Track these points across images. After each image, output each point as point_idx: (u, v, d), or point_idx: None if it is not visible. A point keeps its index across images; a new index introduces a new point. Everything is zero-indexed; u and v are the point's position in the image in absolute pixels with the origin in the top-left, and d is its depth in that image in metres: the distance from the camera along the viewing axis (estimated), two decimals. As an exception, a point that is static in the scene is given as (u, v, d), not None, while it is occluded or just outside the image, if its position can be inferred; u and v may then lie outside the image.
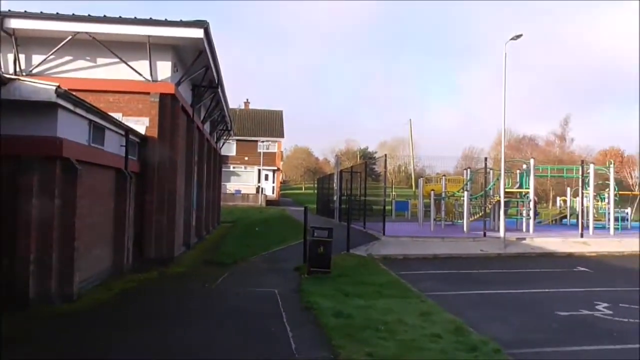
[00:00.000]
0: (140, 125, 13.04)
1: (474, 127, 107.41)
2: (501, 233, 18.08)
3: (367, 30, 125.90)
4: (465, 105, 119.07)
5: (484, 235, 18.72)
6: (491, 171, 25.36)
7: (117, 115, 12.37)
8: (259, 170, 48.39)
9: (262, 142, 48.55)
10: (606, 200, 25.06)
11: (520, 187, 23.42)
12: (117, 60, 12.90)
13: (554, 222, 31.76)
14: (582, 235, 19.53)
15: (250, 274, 13.19)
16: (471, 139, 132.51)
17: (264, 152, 48.03)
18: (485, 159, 21.75)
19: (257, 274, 13.12)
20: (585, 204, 27.56)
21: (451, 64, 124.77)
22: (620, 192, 27.46)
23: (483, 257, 16.85)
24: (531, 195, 22.08)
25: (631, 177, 59.01)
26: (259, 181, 48.41)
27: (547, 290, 11.67)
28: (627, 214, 29.93)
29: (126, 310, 8.80)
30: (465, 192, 21.20)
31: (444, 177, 25.40)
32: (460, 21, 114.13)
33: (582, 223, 20.36)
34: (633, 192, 40.19)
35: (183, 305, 9.36)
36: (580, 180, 22.92)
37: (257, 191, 46.90)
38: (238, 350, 6.67)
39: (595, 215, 22.99)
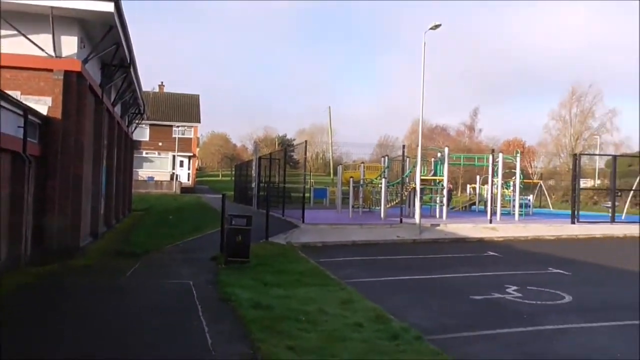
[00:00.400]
0: (42, 105, 11.92)
1: (390, 115, 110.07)
2: (417, 219, 18.51)
3: (286, 14, 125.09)
4: (383, 93, 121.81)
5: (401, 221, 19.10)
6: (407, 159, 25.96)
7: (15, 94, 11.22)
8: (174, 157, 46.78)
9: (178, 127, 46.94)
10: (511, 188, 26.48)
11: (435, 174, 24.14)
12: (16, 33, 11.67)
13: (464, 208, 33.16)
14: (490, 222, 20.44)
15: (163, 265, 12.53)
16: (387, 128, 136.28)
17: (179, 138, 46.45)
18: (404, 146, 22.17)
19: (170, 264, 12.48)
20: (493, 192, 29.00)
21: (370, 51, 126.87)
22: (523, 181, 29.04)
23: (400, 243, 17.16)
24: (445, 183, 22.86)
25: (531, 166, 62.88)
26: (173, 168, 46.82)
27: (461, 275, 12.00)
28: (530, 200, 31.91)
29: (19, 308, 7.96)
30: (383, 180, 21.52)
31: (362, 165, 25.69)
32: (380, 8, 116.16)
33: (491, 209, 21.27)
34: (534, 181, 42.95)
35: (86, 301, 8.64)
36: (490, 168, 23.99)
37: (172, 178, 45.36)
38: (149, 349, 6.18)
39: (502, 202, 24.18)
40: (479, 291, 10.09)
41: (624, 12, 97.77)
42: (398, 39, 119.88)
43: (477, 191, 33.26)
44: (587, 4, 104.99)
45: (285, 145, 65.87)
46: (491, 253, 15.48)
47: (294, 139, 79.52)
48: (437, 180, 23.29)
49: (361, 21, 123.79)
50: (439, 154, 24.84)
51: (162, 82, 51.85)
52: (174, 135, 46.13)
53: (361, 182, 24.99)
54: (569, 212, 34.71)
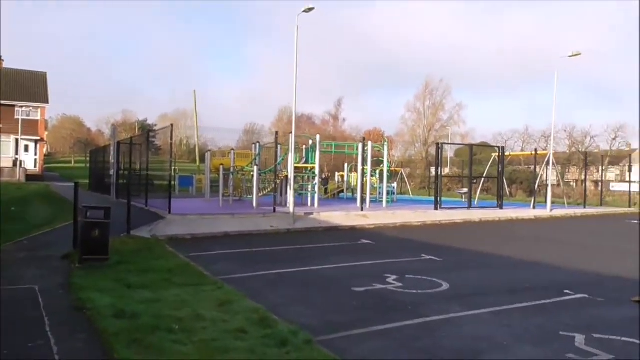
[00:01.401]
0: None
1: (256, 102, 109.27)
2: (290, 208, 18.02)
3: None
4: (249, 79, 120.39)
5: (274, 210, 18.49)
6: (279, 146, 25.41)
7: None
8: (17, 140, 41.61)
9: (21, 107, 41.79)
10: (377, 175, 27.23)
11: (307, 162, 23.88)
12: None
13: (333, 196, 33.56)
14: (362, 209, 20.65)
15: (2, 265, 10.61)
16: (252, 115, 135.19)
17: (23, 120, 41.35)
18: (276, 132, 21.54)
19: (11, 266, 10.60)
20: (363, 179, 29.59)
21: (239, 34, 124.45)
22: (390, 169, 30.03)
23: (274, 233, 16.55)
24: (317, 170, 22.68)
25: (389, 155, 66.30)
26: (17, 153, 41.67)
27: (339, 265, 11.66)
28: (394, 188, 33.18)
29: None
30: (255, 167, 20.73)
31: (232, 151, 24.64)
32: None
33: (361, 197, 21.49)
34: (395, 169, 44.97)
35: None
36: (360, 156, 24.32)
37: (15, 164, 40.33)
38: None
39: (370, 190, 24.69)
40: (360, 282, 9.79)
41: (468, 12, 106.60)
42: (269, 24, 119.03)
43: (346, 179, 33.85)
44: (443, 4, 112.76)
45: (147, 129, 62.11)
46: (365, 241, 15.47)
47: (155, 124, 75.51)
48: (309, 168, 23.05)
49: (227, 4, 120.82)
50: (310, 142, 24.61)
51: (0, 56, 45.72)
52: (16, 117, 40.96)
53: (231, 169, 23.96)
54: (429, 198, 36.93)
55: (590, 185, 43.84)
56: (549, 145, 28.99)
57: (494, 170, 29.06)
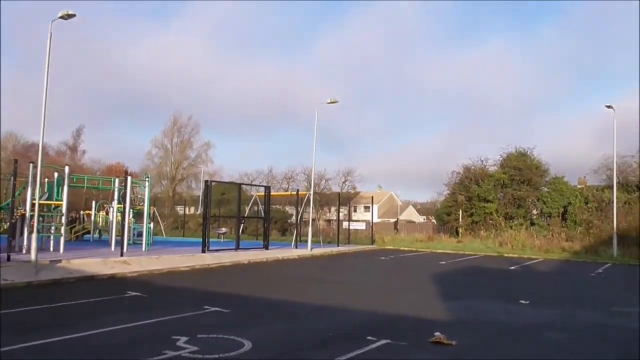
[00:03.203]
0: None
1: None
2: (32, 255, 14.44)
3: None
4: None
5: (8, 259, 14.61)
6: (11, 177, 20.87)
7: None
8: None
9: None
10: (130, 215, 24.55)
11: (49, 198, 19.96)
12: None
13: (77, 238, 29.21)
14: (121, 254, 17.90)
15: None
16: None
17: None
18: (16, 160, 17.38)
19: None
20: (117, 219, 26.33)
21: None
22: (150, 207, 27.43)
23: (9, 289, 12.88)
24: (64, 208, 19.09)
25: (133, 192, 62.32)
26: None
27: (112, 328, 9.21)
28: (151, 228, 30.41)
29: None
30: (-19, 203, 16.32)
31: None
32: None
33: (115, 240, 18.70)
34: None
35: None
36: (121, 193, 21.49)
37: None
38: None
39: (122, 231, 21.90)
40: (147, 351, 7.72)
41: (219, 53, 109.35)
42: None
43: (93, 218, 29.98)
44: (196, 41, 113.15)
45: None
46: (133, 293, 13.03)
47: None
48: (54, 205, 19.28)
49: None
50: (55, 174, 20.74)
51: None
52: None
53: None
54: (186, 239, 35.03)
55: (323, 224, 47.68)
56: (310, 186, 30.07)
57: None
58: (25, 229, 17.88)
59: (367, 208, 64.62)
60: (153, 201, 54.04)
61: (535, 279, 19.98)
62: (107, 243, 25.95)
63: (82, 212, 33.39)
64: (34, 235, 14.58)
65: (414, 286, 16.29)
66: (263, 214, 32.65)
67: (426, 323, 10.58)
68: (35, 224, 14.85)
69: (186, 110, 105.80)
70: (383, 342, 8.81)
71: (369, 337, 9.05)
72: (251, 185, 42.55)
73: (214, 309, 11.27)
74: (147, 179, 22.56)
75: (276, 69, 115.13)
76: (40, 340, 8.17)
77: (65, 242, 18.62)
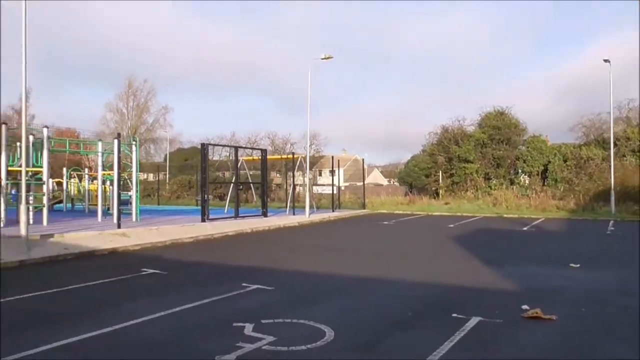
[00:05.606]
0: None
1: None
2: (22, 229, 12.44)
3: None
4: None
5: (-5, 235, 12.61)
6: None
7: None
8: None
9: None
10: (108, 183, 22.52)
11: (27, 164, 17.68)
12: None
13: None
14: (119, 226, 15.99)
15: None
16: None
17: None
18: None
19: None
20: (87, 186, 24.20)
21: None
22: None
23: (5, 270, 10.95)
24: (45, 176, 16.94)
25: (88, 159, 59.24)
26: None
27: (149, 317, 7.55)
28: (131, 196, 28.21)
29: None
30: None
31: None
32: None
33: (119, 210, 16.78)
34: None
35: None
36: (99, 157, 19.34)
37: None
38: None
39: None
40: (215, 345, 6.21)
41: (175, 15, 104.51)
42: None
43: (65, 186, 27.65)
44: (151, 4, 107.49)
45: None
46: (150, 270, 11.31)
47: None
48: (33, 172, 17.08)
49: None
50: (31, 137, 18.39)
51: None
52: None
53: None
54: (169, 207, 33.00)
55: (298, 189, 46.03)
56: (306, 148, 28.41)
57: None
58: (2, 200, 15.76)
59: (332, 172, 63.18)
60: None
61: (558, 239, 19.14)
62: (82, 213, 23.87)
63: (51, 180, 30.83)
64: (22, 207, 12.51)
65: (445, 252, 15.11)
66: (250, 179, 30.98)
67: (498, 295, 9.42)
68: (24, 194, 12.75)
69: (142, 73, 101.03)
70: (475, 320, 7.53)
71: (454, 315, 7.77)
72: (247, 148, 40.51)
73: (254, 286, 9.73)
74: (134, 142, 20.34)
75: (234, 29, 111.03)
76: (73, 337, 6.48)
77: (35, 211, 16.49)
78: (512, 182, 40.77)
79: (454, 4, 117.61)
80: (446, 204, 37.01)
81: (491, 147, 41.70)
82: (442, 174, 43.41)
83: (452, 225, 22.82)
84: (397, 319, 7.74)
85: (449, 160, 43.19)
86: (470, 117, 45.90)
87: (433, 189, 44.07)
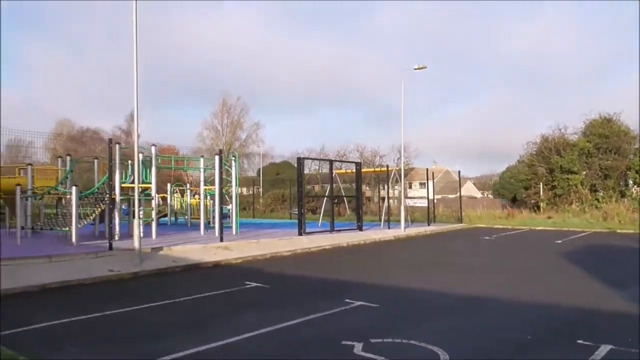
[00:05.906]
0: None
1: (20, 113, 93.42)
2: (135, 243, 13.08)
3: None
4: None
5: (110, 247, 13.34)
6: (95, 160, 19.88)
7: None
8: None
9: None
10: (208, 197, 23.28)
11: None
12: None
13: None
14: (221, 239, 16.43)
15: None
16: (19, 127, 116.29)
17: None
18: (110, 140, 16.11)
19: None
20: (189, 201, 25.17)
21: None
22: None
23: (116, 281, 11.56)
24: (153, 191, 17.85)
25: (187, 175, 62.15)
26: None
27: (256, 332, 7.54)
28: (230, 210, 29.08)
29: None
30: (74, 188, 15.09)
31: (30, 167, 18.25)
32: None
33: (222, 224, 17.24)
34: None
35: None
36: (202, 173, 20.13)
37: None
38: None
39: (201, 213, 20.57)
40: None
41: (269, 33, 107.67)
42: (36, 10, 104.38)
43: (169, 201, 28.99)
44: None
45: None
46: (253, 284, 11.43)
47: None
48: (143, 188, 18.03)
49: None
50: (140, 155, 19.46)
51: None
52: None
53: (29, 192, 17.63)
54: (265, 220, 33.75)
55: (381, 202, 45.16)
56: (400, 160, 27.97)
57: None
58: (116, 214, 16.71)
59: (422, 184, 61.78)
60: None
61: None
62: (185, 226, 24.84)
63: (157, 195, 32.57)
64: (136, 221, 13.19)
65: (558, 270, 14.05)
66: (343, 192, 30.94)
67: (628, 319, 8.48)
68: (137, 209, 13.45)
69: (235, 91, 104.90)
70: (606, 347, 6.78)
71: (580, 341, 7.06)
72: (343, 161, 40.93)
73: (358, 303, 9.49)
74: (233, 158, 20.96)
75: (323, 45, 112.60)
76: (186, 350, 6.56)
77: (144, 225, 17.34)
78: (622, 195, 37.75)
79: (552, 3, 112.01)
80: (549, 217, 34.86)
81: (597, 156, 38.96)
82: (542, 186, 41.11)
83: (559, 241, 21.33)
84: (516, 343, 7.17)
85: (550, 171, 40.86)
86: (572, 125, 43.32)
87: (532, 201, 41.85)
